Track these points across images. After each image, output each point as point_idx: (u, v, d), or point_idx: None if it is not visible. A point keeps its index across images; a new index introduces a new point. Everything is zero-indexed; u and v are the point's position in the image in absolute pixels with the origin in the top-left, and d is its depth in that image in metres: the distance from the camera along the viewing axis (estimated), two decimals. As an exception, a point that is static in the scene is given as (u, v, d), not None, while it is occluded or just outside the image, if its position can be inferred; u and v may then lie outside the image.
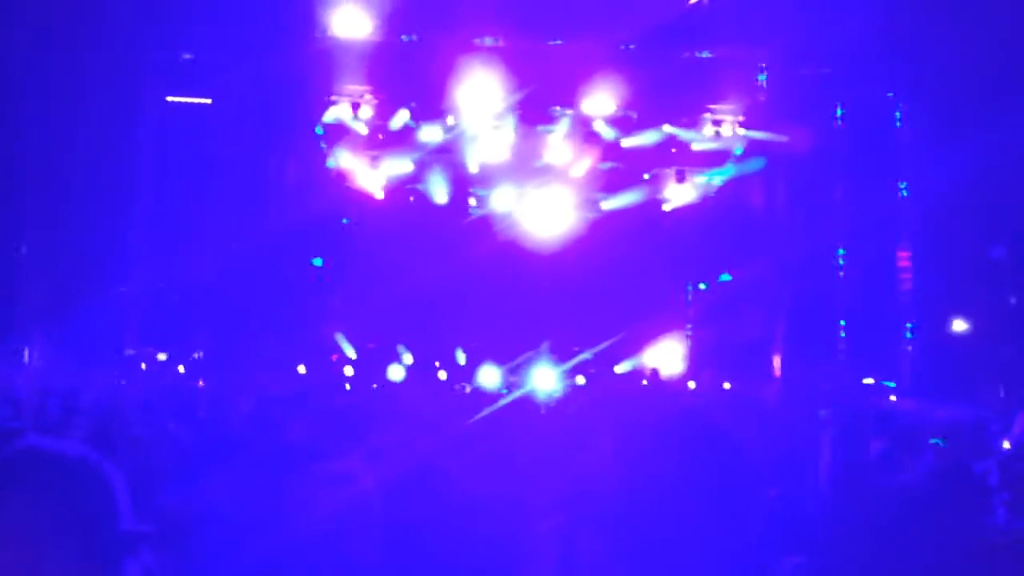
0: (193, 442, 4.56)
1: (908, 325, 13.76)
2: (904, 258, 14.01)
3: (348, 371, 13.84)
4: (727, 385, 13.21)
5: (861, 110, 14.79)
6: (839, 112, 14.79)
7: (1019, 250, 12.36)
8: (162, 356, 12.98)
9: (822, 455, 5.18)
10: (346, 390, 10.28)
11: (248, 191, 13.72)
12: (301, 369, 12.74)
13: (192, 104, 14.31)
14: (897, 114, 14.52)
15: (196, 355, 13.13)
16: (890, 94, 14.65)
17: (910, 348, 13.63)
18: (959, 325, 13.56)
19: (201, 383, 10.01)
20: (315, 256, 15.22)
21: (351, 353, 14.70)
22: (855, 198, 14.30)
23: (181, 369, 12.42)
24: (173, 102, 14.26)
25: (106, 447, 4.00)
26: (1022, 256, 12.35)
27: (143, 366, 12.24)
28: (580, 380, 13.61)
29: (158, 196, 13.80)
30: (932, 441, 6.00)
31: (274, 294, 13.78)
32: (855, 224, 14.14)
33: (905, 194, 14.21)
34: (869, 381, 12.87)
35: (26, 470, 1.41)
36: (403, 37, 14.26)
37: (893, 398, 11.84)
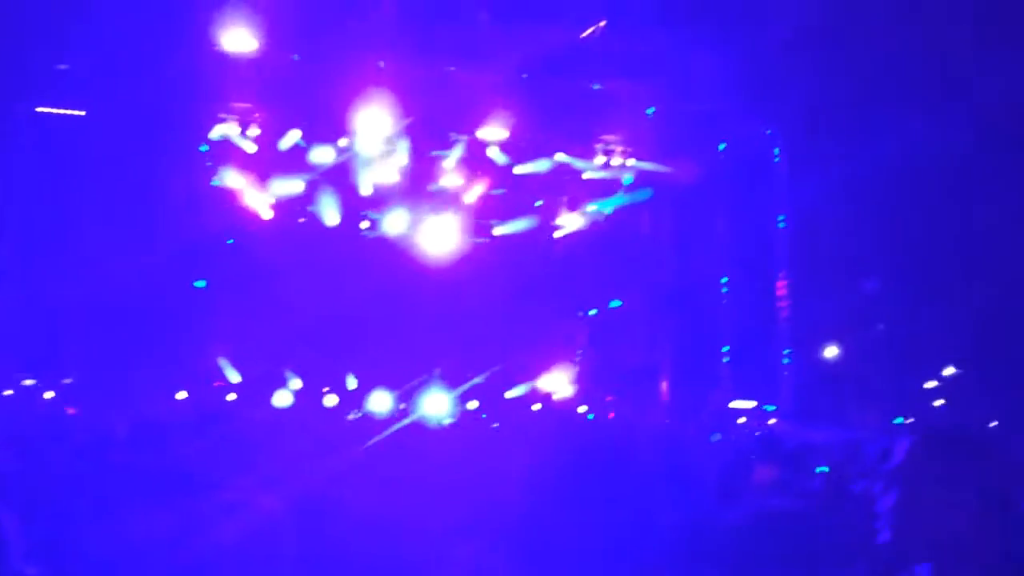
0: (69, 473, 4.26)
1: (786, 351, 14.38)
2: (782, 287, 14.66)
3: (231, 397, 13.32)
4: (614, 412, 13.42)
5: (742, 145, 15.47)
6: (722, 146, 15.40)
7: (889, 280, 13.12)
8: (29, 382, 12.16)
9: (716, 478, 5.29)
10: (231, 416, 9.86)
11: (127, 208, 13.10)
12: (182, 395, 12.18)
13: (66, 116, 13.60)
14: (776, 150, 15.25)
15: (66, 381, 12.36)
16: (768, 131, 15.38)
17: (787, 373, 14.23)
18: (832, 351, 14.27)
19: (71, 411, 9.40)
20: (198, 278, 14.63)
21: (235, 378, 14.17)
22: (737, 229, 14.90)
23: (50, 395, 11.66)
24: (45, 113, 13.52)
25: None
26: (891, 286, 13.11)
27: (8, 392, 11.43)
28: (472, 405, 13.55)
29: (28, 212, 13.00)
30: (819, 470, 6.22)
31: (154, 316, 13.15)
32: (737, 254, 14.71)
33: (783, 226, 14.89)
34: (751, 405, 13.34)
35: None
36: (294, 56, 14.00)
37: (773, 421, 12.30)
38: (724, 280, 14.87)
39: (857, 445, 7.56)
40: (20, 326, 12.49)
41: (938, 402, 13.55)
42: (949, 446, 1.91)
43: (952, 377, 13.67)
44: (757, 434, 7.79)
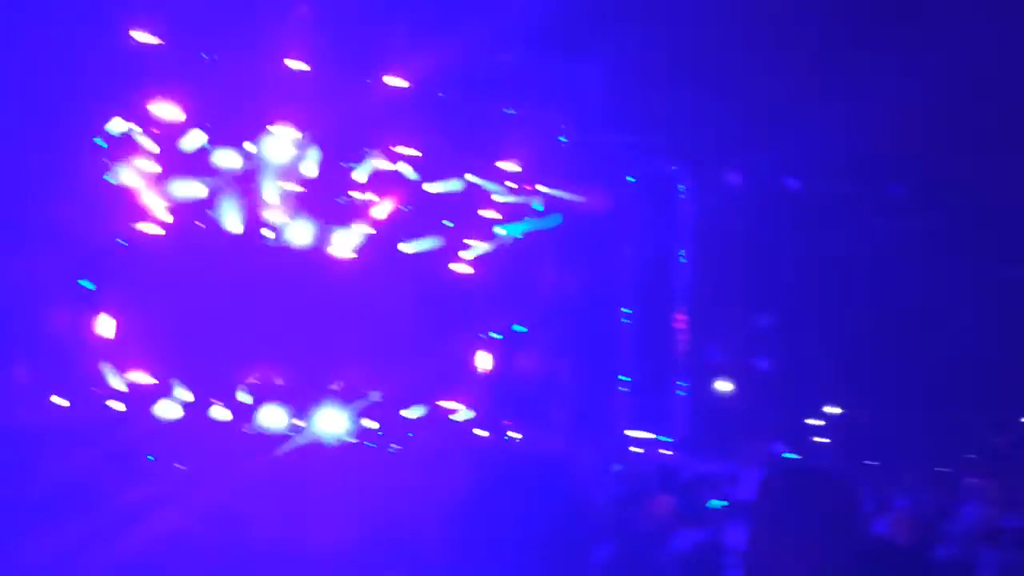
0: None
1: (681, 383, 14.70)
2: (681, 320, 15.01)
3: (118, 406, 12.62)
4: (515, 434, 13.40)
5: (649, 179, 15.84)
6: (630, 179, 15.73)
7: (782, 318, 13.61)
8: None
9: (622, 508, 5.30)
10: (114, 426, 9.36)
11: (7, 199, 12.34)
12: (60, 401, 11.48)
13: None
14: (680, 186, 15.67)
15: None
16: (674, 167, 15.81)
17: (682, 405, 14.55)
18: (724, 385, 14.66)
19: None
20: (85, 277, 13.88)
21: (119, 386, 13.46)
22: (640, 261, 15.20)
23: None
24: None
25: None
26: (783, 324, 13.60)
27: None
28: (369, 423, 13.28)
29: None
30: (712, 504, 6.32)
31: (32, 316, 12.39)
32: (640, 286, 15.00)
33: (684, 260, 15.29)
34: (648, 435, 13.56)
35: None
36: (203, 55, 13.57)
37: (668, 452, 12.52)
38: (626, 311, 15.12)
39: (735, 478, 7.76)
40: None
41: (821, 440, 14.09)
42: (797, 479, 1.93)
43: (838, 416, 14.26)
44: (656, 465, 7.89)
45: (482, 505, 2.25)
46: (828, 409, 14.68)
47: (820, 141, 12.26)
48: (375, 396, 14.10)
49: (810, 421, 14.57)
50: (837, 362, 12.70)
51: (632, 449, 12.34)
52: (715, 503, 6.66)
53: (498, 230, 15.95)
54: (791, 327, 13.50)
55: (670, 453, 12.32)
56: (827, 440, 13.69)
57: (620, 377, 14.82)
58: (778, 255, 13.64)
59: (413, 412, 14.39)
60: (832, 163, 13.03)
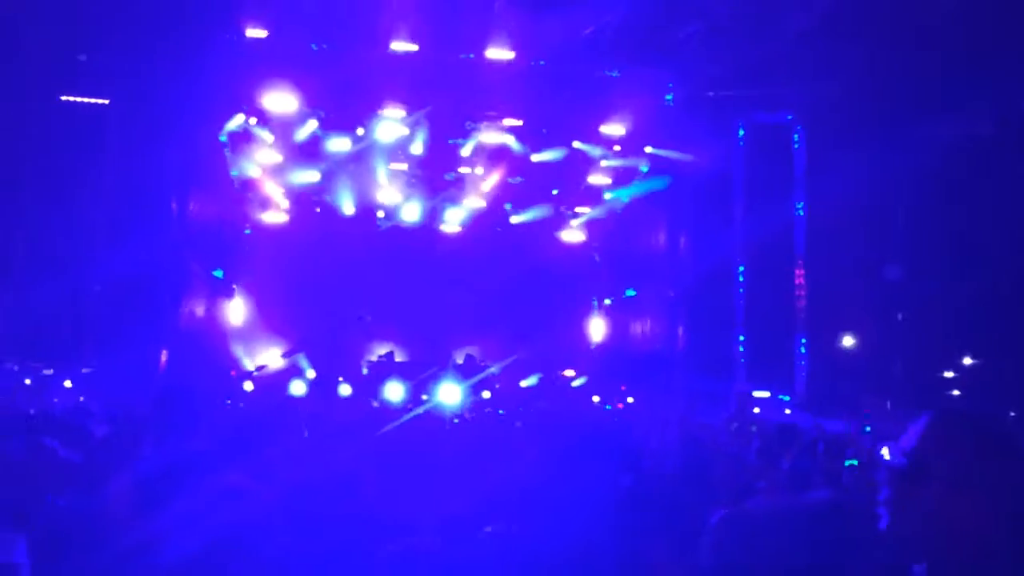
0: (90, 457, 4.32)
1: (802, 340, 14.28)
2: (799, 275, 14.54)
3: (248, 386, 13.43)
4: (631, 399, 13.41)
5: (761, 132, 15.32)
6: (741, 133, 15.27)
7: (909, 269, 12.97)
8: (48, 371, 12.30)
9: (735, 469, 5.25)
10: (249, 403, 9.97)
11: (146, 198, 13.20)
12: (201, 383, 12.27)
13: (89, 104, 13.71)
14: (795, 136, 15.11)
15: (85, 370, 12.50)
16: (789, 117, 15.23)
17: (803, 363, 14.14)
18: (848, 341, 14.15)
19: (82, 399, 9.49)
20: (216, 267, 14.74)
21: (251, 367, 14.30)
22: (755, 217, 14.78)
23: (68, 384, 11.80)
24: (68, 102, 13.63)
25: None
26: (911, 275, 12.96)
27: (27, 381, 11.58)
28: (486, 395, 13.59)
29: (47, 200, 13.15)
30: (848, 462, 6.15)
31: (172, 306, 13.27)
32: (755, 242, 14.60)
33: (801, 213, 14.77)
34: (765, 394, 13.28)
35: None
36: (312, 45, 14.04)
37: (788, 411, 12.24)
38: (741, 268, 14.77)
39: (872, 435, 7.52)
40: (40, 317, 12.62)
41: (955, 393, 13.41)
42: (968, 434, 1.71)
43: (971, 368, 13.54)
44: (776, 423, 7.73)
45: (597, 471, 2.31)
46: (964, 361, 13.96)
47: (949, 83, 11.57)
48: (493, 368, 14.38)
49: (944, 374, 13.90)
50: (961, 315, 12.02)
51: (752, 409, 12.12)
52: (850, 461, 6.47)
53: (607, 195, 15.87)
54: (918, 277, 12.86)
55: (790, 412, 12.04)
56: (957, 393, 13.02)
57: (739, 337, 14.53)
58: (901, 203, 12.99)
59: (530, 381, 14.62)
60: (963, 104, 12.26)
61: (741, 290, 14.67)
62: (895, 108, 12.67)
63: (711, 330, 14.23)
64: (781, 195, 14.83)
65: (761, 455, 6.00)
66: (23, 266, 12.77)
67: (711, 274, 14.38)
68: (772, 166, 14.98)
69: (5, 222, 12.58)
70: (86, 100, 13.66)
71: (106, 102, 13.63)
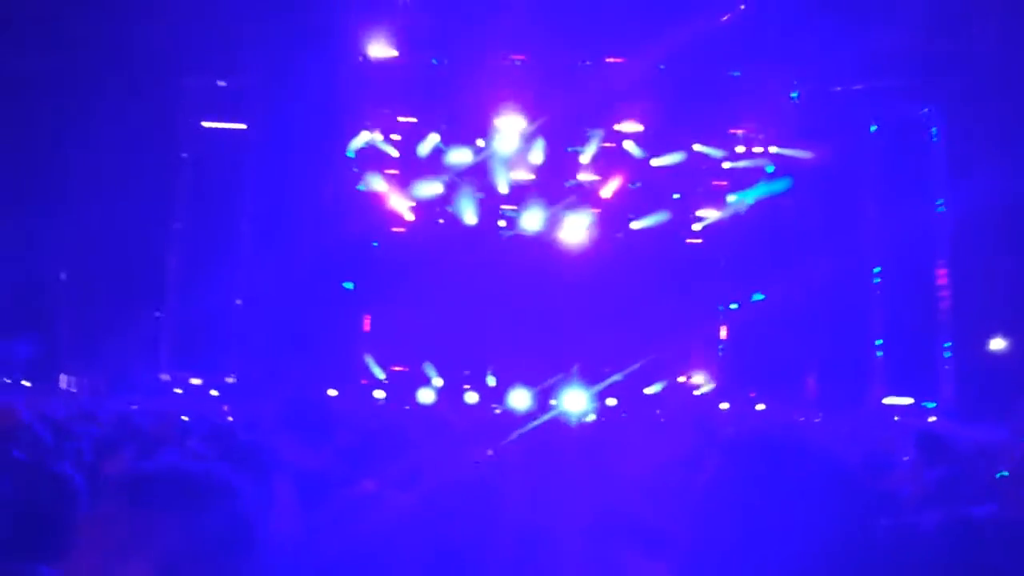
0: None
1: (946, 344, 13.50)
2: (942, 275, 13.77)
3: (378, 394, 13.83)
4: (761, 406, 13.02)
5: (896, 126, 14.62)
6: (873, 128, 14.62)
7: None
8: (196, 381, 13.06)
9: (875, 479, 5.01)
10: (375, 412, 10.27)
11: (282, 215, 13.85)
12: (332, 392, 12.75)
13: (228, 130, 14.51)
14: (933, 129, 14.34)
15: (229, 379, 13.20)
16: (925, 109, 14.47)
17: (948, 367, 13.36)
18: (998, 343, 13.27)
19: (226, 408, 10.01)
20: (346, 279, 15.27)
21: (381, 376, 14.70)
22: (890, 215, 14.10)
23: (214, 393, 12.49)
24: (209, 127, 14.46)
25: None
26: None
27: (178, 391, 12.34)
28: (611, 402, 13.49)
29: (194, 220, 13.99)
30: (1000, 474, 5.78)
31: (307, 317, 13.83)
32: (891, 241, 13.93)
33: (942, 210, 13.99)
34: (908, 401, 12.62)
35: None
36: (433, 60, 14.38)
37: (933, 419, 11.59)
38: (877, 270, 14.10)
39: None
40: (189, 329, 13.43)
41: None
42: None
43: None
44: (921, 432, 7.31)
45: (732, 486, 2.21)
46: None
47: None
48: (617, 375, 14.26)
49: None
50: None
51: (895, 419, 11.53)
52: (1001, 473, 6.05)
53: (730, 198, 15.50)
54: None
55: (934, 419, 11.39)
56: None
57: (876, 341, 13.87)
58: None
59: (655, 388, 14.42)
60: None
61: (878, 292, 14.01)
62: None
63: (847, 335, 13.65)
64: (919, 192, 14.09)
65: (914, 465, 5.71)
66: (176, 283, 13.63)
67: (845, 276, 13.81)
68: (908, 162, 14.26)
69: (157, 242, 13.44)
70: (226, 125, 14.47)
71: (244, 127, 14.40)
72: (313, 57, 13.29)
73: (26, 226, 11.69)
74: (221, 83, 14.32)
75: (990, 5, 11.54)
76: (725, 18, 13.28)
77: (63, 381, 12.36)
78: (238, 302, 13.58)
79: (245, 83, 14.10)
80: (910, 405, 12.59)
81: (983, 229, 12.82)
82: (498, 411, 11.93)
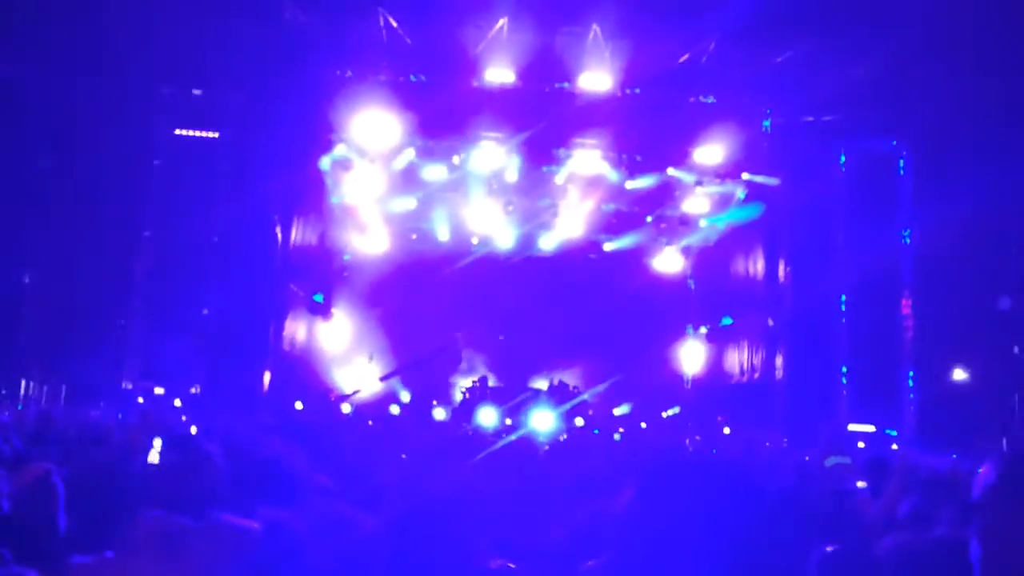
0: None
1: (910, 373, 13.69)
2: (907, 305, 13.98)
3: (346, 408, 13.71)
4: (727, 430, 13.10)
5: (864, 157, 14.87)
6: (842, 159, 14.86)
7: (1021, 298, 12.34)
8: (159, 390, 12.86)
9: (863, 508, 5.04)
10: (347, 426, 10.18)
11: (252, 226, 13.74)
12: (298, 405, 12.63)
13: (200, 138, 14.38)
14: (900, 161, 14.61)
15: (193, 390, 13.02)
16: (894, 142, 14.75)
17: (912, 396, 13.55)
18: (960, 374, 13.49)
19: (184, 418, 9.84)
20: (316, 291, 15.18)
21: (349, 390, 14.59)
22: (857, 244, 14.31)
23: (177, 403, 12.31)
24: (182, 135, 14.33)
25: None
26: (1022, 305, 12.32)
27: (140, 400, 12.14)
28: (579, 422, 13.50)
29: (163, 228, 13.83)
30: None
31: (275, 329, 13.71)
32: (857, 270, 14.13)
33: (908, 241, 14.23)
34: (870, 429, 12.77)
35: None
36: (412, 77, 14.40)
37: (895, 446, 11.72)
38: (843, 298, 14.29)
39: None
40: (154, 340, 13.21)
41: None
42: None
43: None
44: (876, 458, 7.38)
45: (688, 504, 2.23)
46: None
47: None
48: (585, 395, 14.29)
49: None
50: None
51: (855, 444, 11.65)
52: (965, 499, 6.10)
53: (702, 222, 15.64)
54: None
55: (895, 447, 11.52)
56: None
57: (841, 368, 14.03)
58: (1015, 230, 12.36)
59: (622, 409, 14.46)
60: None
61: (844, 320, 14.19)
62: (1005, 132, 12.13)
63: (812, 361, 13.80)
64: (886, 222, 14.32)
65: (875, 493, 5.75)
66: (143, 290, 13.43)
67: (812, 303, 13.97)
68: (876, 193, 14.50)
69: (126, 248, 13.26)
70: (198, 133, 14.34)
71: (216, 135, 14.28)
72: (287, 69, 13.26)
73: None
74: (196, 92, 14.22)
75: (957, 41, 11.80)
76: (683, 59, 13.46)
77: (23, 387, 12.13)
78: (205, 311, 13.42)
79: (220, 92, 14.01)
80: (873, 432, 12.73)
81: (948, 260, 13.05)
82: (467, 429, 11.90)
